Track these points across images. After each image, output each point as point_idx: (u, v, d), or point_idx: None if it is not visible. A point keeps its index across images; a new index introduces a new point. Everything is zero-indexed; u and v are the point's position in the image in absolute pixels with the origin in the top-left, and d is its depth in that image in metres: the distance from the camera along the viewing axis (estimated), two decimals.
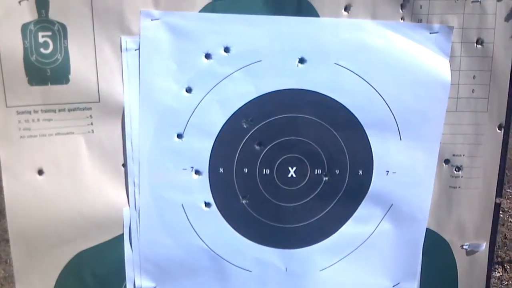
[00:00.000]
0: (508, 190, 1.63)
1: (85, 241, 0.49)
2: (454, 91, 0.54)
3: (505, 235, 1.53)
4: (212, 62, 0.49)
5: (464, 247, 0.59)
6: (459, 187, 0.57)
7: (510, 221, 1.57)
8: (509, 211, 1.59)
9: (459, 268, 0.59)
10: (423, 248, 0.58)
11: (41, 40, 0.45)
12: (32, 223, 0.47)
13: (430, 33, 0.52)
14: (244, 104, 0.51)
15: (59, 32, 0.45)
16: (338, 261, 0.57)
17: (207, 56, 0.49)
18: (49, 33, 0.45)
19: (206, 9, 0.48)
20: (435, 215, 0.57)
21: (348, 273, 0.57)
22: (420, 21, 0.51)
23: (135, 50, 0.47)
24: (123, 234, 0.51)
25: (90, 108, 0.47)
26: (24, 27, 0.44)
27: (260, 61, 0.50)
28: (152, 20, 0.47)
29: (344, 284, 0.57)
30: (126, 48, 0.47)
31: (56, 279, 0.49)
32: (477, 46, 0.52)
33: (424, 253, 0.58)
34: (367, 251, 0.57)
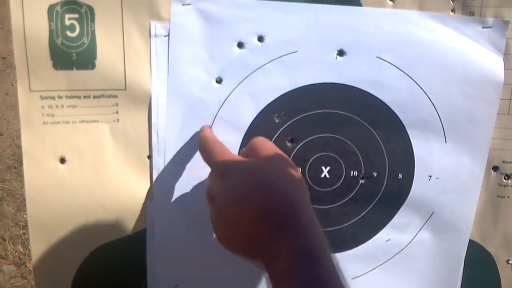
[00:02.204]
0: None
1: (107, 234, 0.48)
2: (507, 92, 0.50)
3: None
4: (245, 52, 0.46)
5: (510, 262, 0.55)
6: (508, 197, 0.53)
7: None
8: None
9: (503, 285, 0.55)
10: (464, 261, 0.54)
11: (67, 22, 0.43)
12: (52, 213, 0.46)
13: (483, 27, 0.48)
14: (277, 98, 0.48)
15: (86, 14, 0.43)
16: (371, 270, 0.53)
17: (240, 45, 0.46)
18: (76, 16, 0.43)
19: None
20: (479, 226, 0.53)
21: (381, 284, 0.53)
22: (472, 14, 0.48)
23: (165, 36, 0.45)
24: (146, 229, 0.49)
25: (116, 96, 0.45)
26: (51, 9, 0.42)
27: (296, 52, 0.47)
28: (183, 5, 0.44)
29: None
30: (155, 34, 0.45)
31: (75, 272, 0.48)
32: None
33: (465, 266, 0.54)
34: (403, 261, 0.53)
